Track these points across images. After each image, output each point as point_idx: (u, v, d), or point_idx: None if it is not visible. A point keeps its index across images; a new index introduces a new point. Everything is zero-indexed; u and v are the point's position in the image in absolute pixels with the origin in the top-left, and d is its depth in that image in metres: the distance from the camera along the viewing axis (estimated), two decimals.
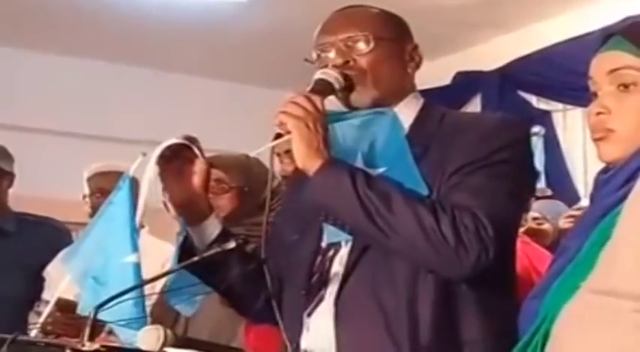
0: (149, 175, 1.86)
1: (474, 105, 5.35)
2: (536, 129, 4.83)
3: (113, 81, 5.85)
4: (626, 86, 1.51)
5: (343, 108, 1.90)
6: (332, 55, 1.87)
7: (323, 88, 1.82)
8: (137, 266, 2.11)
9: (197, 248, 1.93)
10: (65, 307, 2.61)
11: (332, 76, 1.83)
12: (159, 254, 3.21)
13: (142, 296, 2.00)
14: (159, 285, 2.67)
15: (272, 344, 2.09)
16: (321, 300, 1.82)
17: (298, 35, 5.30)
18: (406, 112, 1.87)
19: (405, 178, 1.75)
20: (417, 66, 1.93)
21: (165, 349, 1.65)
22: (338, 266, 1.82)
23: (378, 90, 1.85)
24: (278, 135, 1.77)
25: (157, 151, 1.86)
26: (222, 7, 5.01)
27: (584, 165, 4.59)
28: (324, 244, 1.87)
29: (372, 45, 1.85)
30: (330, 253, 1.85)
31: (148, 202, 3.51)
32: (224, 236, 1.93)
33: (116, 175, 2.50)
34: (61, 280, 2.34)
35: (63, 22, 5.22)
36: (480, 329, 1.73)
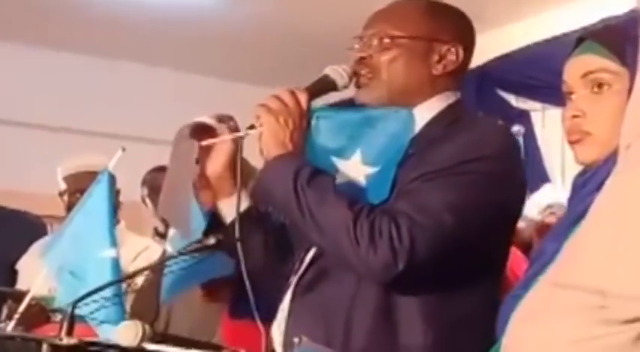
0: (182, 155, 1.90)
1: None
2: (515, 128, 4.85)
3: (93, 74, 5.82)
4: (600, 87, 1.52)
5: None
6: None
7: (324, 85, 1.86)
8: (115, 261, 2.10)
9: (224, 221, 1.97)
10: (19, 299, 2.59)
11: (338, 73, 1.86)
12: (133, 247, 3.20)
13: (121, 292, 2.00)
14: (138, 281, 2.66)
15: (249, 340, 2.08)
16: (288, 286, 1.86)
17: (284, 32, 5.35)
18: (425, 114, 1.85)
19: (381, 181, 1.77)
20: (448, 67, 1.87)
21: (143, 345, 1.64)
22: (311, 255, 1.86)
23: (387, 89, 1.85)
24: (251, 127, 1.81)
25: (184, 130, 1.92)
26: (208, 2, 4.99)
27: (561, 165, 4.61)
28: None
29: (390, 42, 1.85)
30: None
31: (125, 196, 3.54)
32: (247, 212, 1.94)
33: (95, 176, 2.48)
34: (34, 273, 2.32)
35: (43, 14, 5.18)
36: (422, 335, 1.72)
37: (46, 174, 3.80)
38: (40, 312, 2.60)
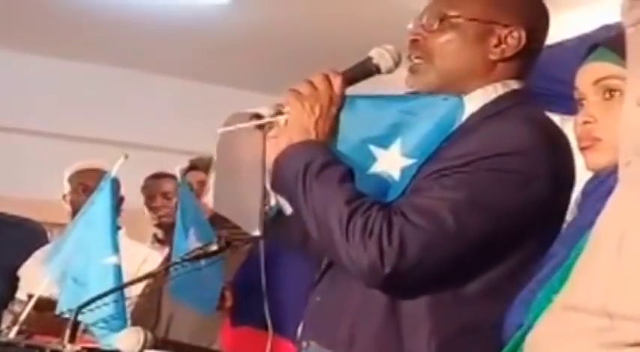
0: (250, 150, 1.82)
1: None
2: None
3: (94, 81, 5.81)
4: (611, 94, 1.52)
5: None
6: None
7: (364, 68, 1.75)
8: (117, 268, 2.11)
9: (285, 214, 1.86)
10: (41, 305, 2.60)
11: (383, 56, 1.75)
12: (135, 257, 3.21)
13: (123, 298, 2.01)
14: (139, 288, 2.66)
15: (250, 347, 2.08)
16: (313, 285, 1.81)
17: (279, 38, 5.35)
18: (475, 103, 1.69)
19: (406, 176, 1.66)
20: (507, 52, 1.70)
21: (145, 351, 1.65)
22: None
23: (437, 74, 1.71)
24: (278, 112, 1.74)
25: (240, 114, 1.80)
26: (203, 8, 4.99)
27: None
28: None
29: (442, 24, 1.71)
30: None
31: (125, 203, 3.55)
32: None
33: (98, 173, 2.48)
34: (36, 280, 2.33)
35: (43, 23, 5.18)
36: (425, 343, 1.61)
37: (49, 181, 3.81)
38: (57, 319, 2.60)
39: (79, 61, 5.73)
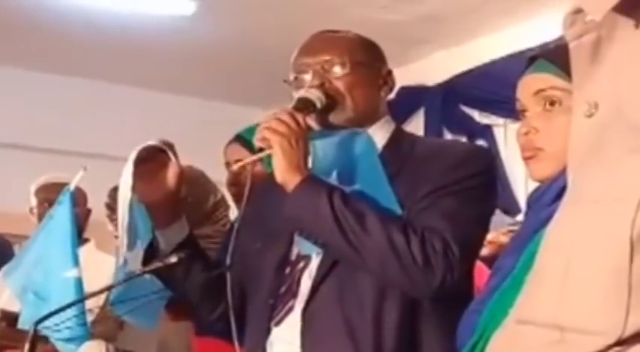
0: (127, 177, 1.86)
1: (418, 119, 5.39)
2: (478, 143, 4.88)
3: (59, 93, 5.80)
4: (552, 105, 1.55)
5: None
6: (308, 76, 1.92)
7: (305, 107, 1.86)
8: (78, 281, 2.10)
9: (162, 251, 1.93)
10: (9, 319, 2.58)
11: (315, 95, 1.87)
12: (103, 268, 3.19)
13: (84, 311, 1.99)
14: (101, 300, 2.65)
15: None
16: (289, 311, 1.84)
17: (243, 48, 5.37)
18: (379, 134, 1.92)
19: (378, 196, 1.80)
20: (390, 90, 1.99)
21: None
22: (308, 278, 1.85)
23: (353, 112, 1.90)
24: (260, 150, 1.79)
25: (134, 153, 1.86)
26: (168, 20, 5.01)
27: (525, 179, 4.65)
28: (293, 255, 1.90)
29: (347, 69, 1.91)
30: (301, 265, 1.87)
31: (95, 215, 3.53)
32: (191, 240, 1.96)
33: (63, 187, 2.48)
34: (3, 293, 2.32)
35: (10, 33, 5.17)
36: (440, 346, 1.76)
37: (16, 194, 3.79)
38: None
39: (44, 73, 5.71)
